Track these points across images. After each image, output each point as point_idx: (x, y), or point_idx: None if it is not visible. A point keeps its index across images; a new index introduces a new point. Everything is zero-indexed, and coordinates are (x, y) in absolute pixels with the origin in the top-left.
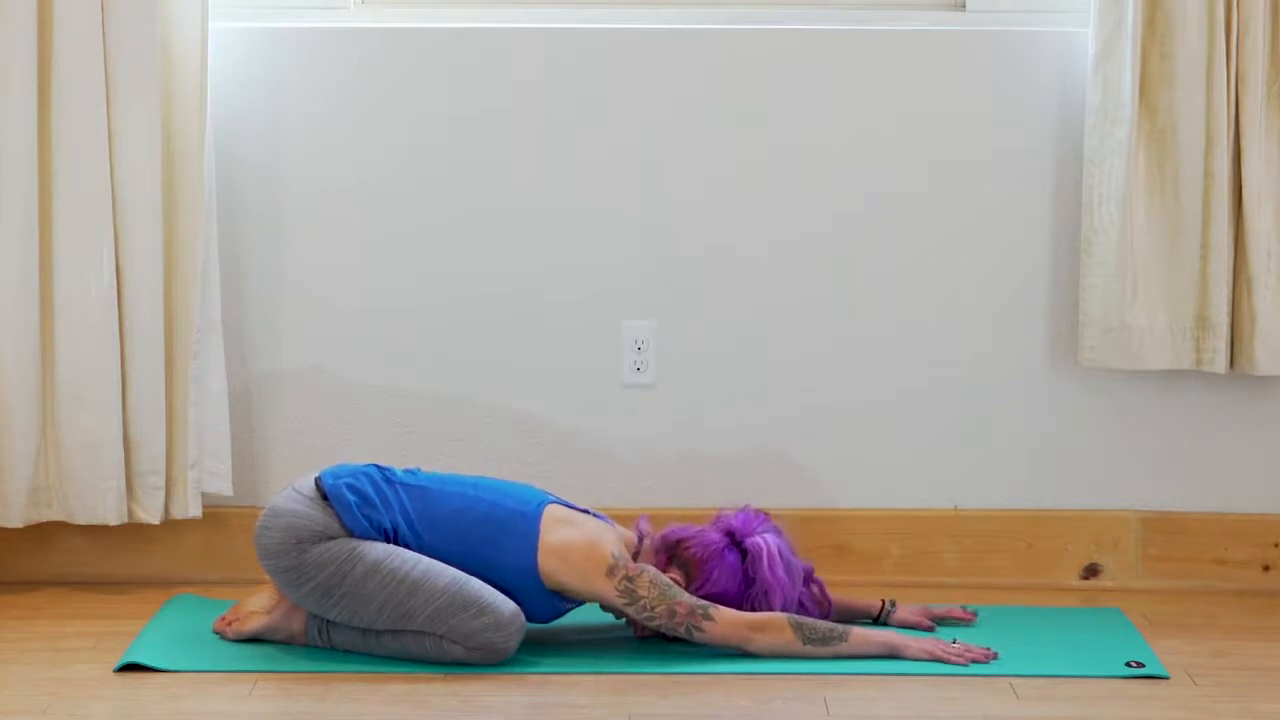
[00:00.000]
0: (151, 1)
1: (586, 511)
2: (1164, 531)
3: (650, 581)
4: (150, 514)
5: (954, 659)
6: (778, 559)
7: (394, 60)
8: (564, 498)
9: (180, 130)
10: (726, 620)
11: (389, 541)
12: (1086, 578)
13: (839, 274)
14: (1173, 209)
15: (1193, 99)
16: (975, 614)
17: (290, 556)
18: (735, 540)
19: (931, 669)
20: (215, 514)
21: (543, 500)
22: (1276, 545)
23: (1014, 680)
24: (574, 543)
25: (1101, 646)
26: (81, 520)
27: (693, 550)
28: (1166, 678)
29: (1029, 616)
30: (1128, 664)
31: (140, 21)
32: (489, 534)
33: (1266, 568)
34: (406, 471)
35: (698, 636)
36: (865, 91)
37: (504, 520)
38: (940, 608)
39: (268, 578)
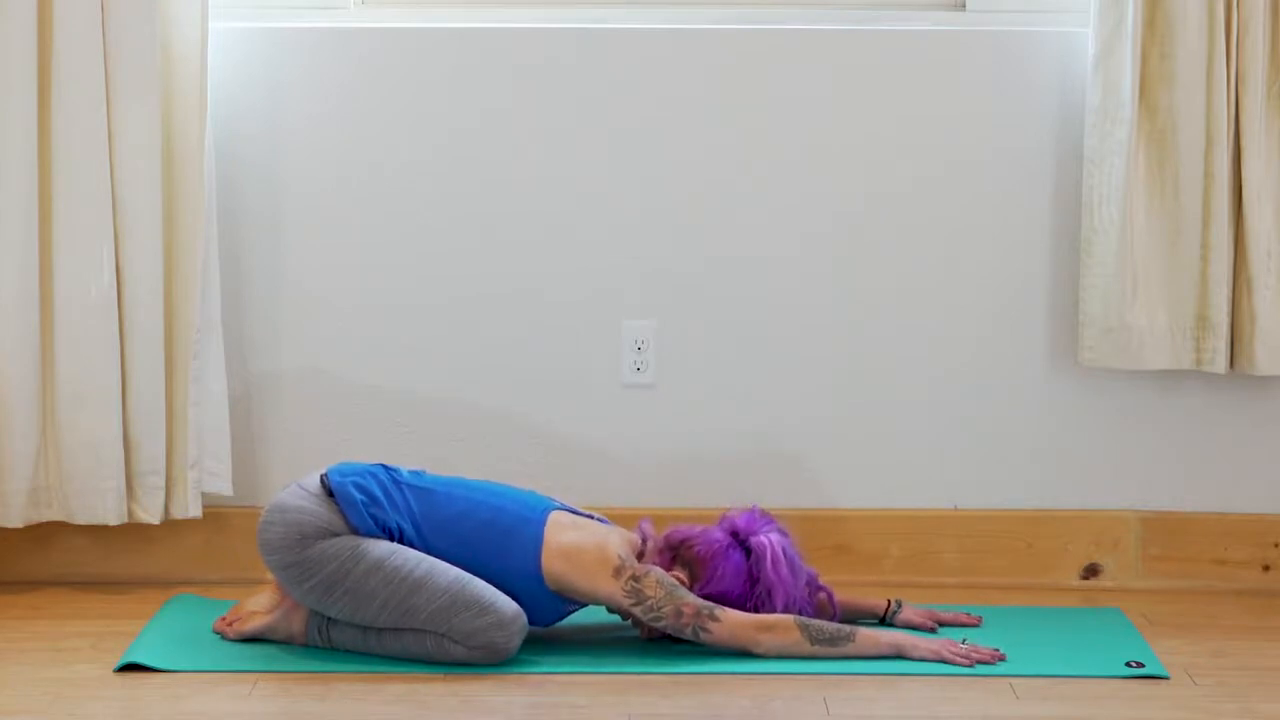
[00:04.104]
0: (151, 1)
1: (591, 517)
2: (1164, 531)
3: (657, 582)
4: (150, 514)
5: (960, 660)
6: (781, 558)
7: (394, 60)
8: (565, 498)
9: (180, 130)
10: (733, 621)
11: (394, 542)
12: (1086, 578)
13: (839, 274)
14: (1173, 209)
15: (1193, 99)
16: (980, 618)
17: (293, 552)
18: (740, 539)
19: (932, 669)
20: (215, 514)
21: (548, 506)
22: (1276, 545)
23: (1014, 680)
24: (580, 545)
25: (1101, 646)
26: (81, 520)
27: (697, 549)
28: (1166, 678)
29: (1029, 616)
30: (1128, 664)
31: (140, 21)
32: (494, 538)
33: (1266, 568)
34: (412, 473)
35: (704, 638)
36: (865, 91)
37: (509, 525)
38: (947, 613)
39: (268, 578)
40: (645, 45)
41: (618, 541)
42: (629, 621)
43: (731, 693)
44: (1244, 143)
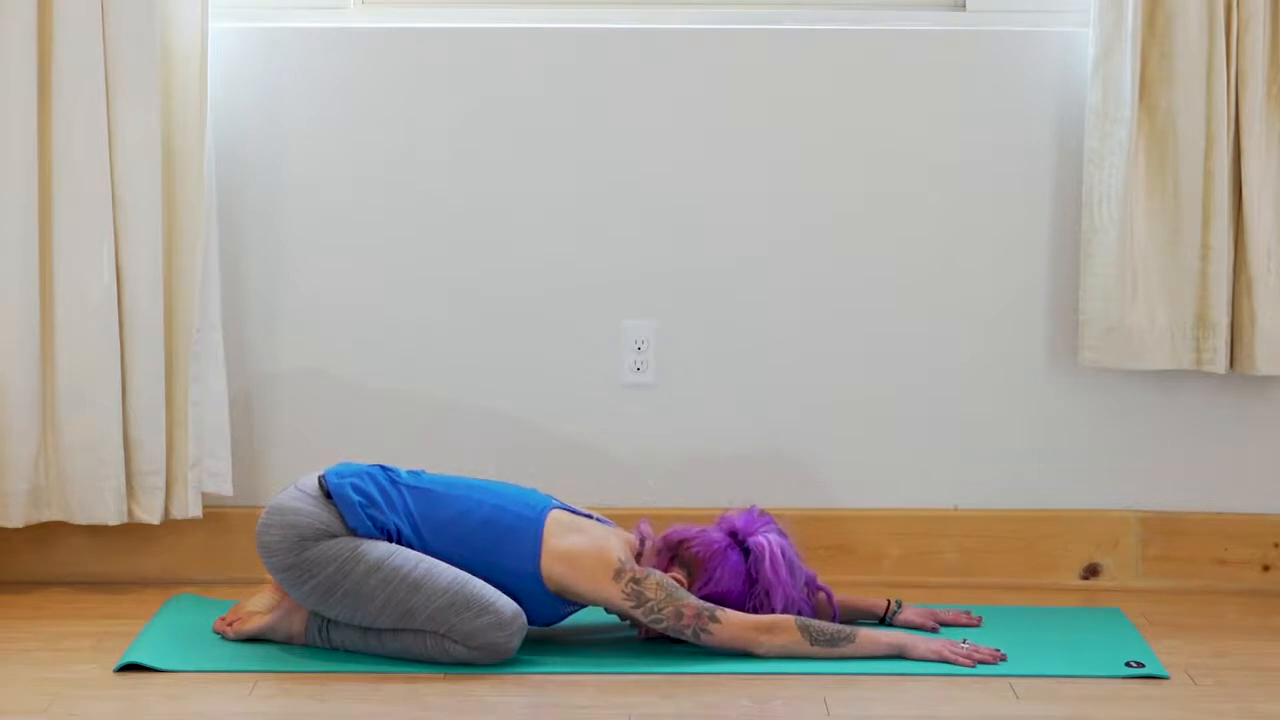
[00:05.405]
0: (151, 1)
1: (590, 516)
2: (1164, 531)
3: (657, 584)
4: (150, 514)
5: (961, 660)
6: (779, 558)
7: (393, 60)
8: (565, 498)
9: (180, 130)
10: (733, 623)
11: (392, 542)
12: (1086, 578)
13: (839, 273)
14: (1173, 209)
15: (1193, 99)
16: (980, 618)
17: (292, 554)
18: (738, 540)
19: (933, 669)
20: (215, 514)
21: (547, 505)
22: (1276, 545)
23: (1014, 680)
24: (580, 547)
25: (1101, 646)
26: (81, 520)
27: (695, 550)
28: (1166, 678)
29: (1029, 616)
30: (1128, 664)
31: (140, 21)
32: (493, 538)
33: (1266, 568)
34: (410, 473)
35: (704, 639)
36: (865, 91)
37: (508, 525)
38: (947, 613)
39: (268, 578)
40: (645, 45)
41: (617, 544)
42: (627, 622)
43: (731, 693)
44: (1244, 143)
